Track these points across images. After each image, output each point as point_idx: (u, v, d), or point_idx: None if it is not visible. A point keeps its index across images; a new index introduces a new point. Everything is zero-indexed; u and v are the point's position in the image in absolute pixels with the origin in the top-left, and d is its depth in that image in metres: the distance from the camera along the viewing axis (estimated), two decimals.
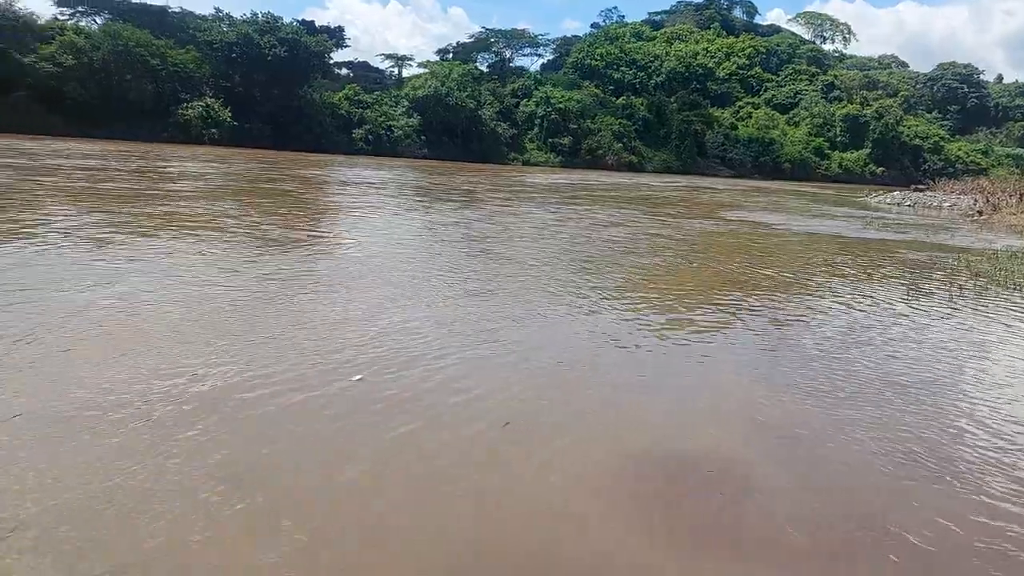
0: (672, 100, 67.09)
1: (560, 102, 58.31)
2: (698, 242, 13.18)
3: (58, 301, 5.61)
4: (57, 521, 2.68)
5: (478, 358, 5.04)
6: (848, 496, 3.39)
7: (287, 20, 50.35)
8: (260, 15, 48.54)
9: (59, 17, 45.43)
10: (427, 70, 60.38)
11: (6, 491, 2.86)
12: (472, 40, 71.55)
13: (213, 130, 42.25)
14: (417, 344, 5.22)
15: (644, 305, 7.25)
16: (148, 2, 49.40)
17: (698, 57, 77.19)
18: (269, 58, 45.48)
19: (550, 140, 57.16)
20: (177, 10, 50.96)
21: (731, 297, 7.94)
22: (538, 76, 67.86)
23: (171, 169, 21.74)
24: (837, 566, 2.84)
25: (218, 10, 50.69)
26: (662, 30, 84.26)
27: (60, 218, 9.97)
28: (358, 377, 4.41)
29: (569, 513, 3.08)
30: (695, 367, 5.31)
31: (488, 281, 7.88)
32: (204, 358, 4.54)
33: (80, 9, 47.55)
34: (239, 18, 49.27)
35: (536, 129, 58.02)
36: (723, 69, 77.19)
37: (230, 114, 43.38)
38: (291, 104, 46.67)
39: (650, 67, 74.34)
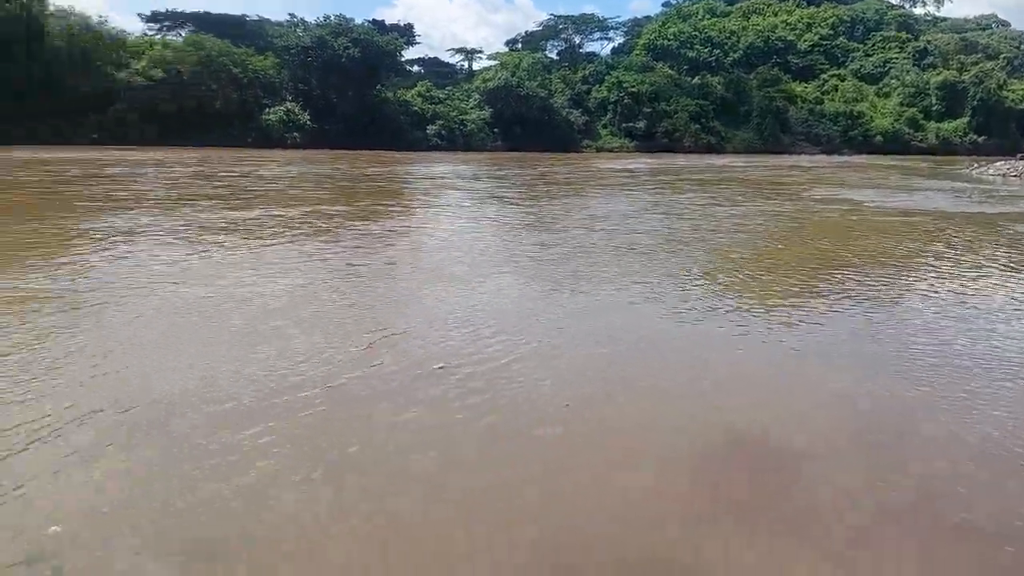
0: (751, 77, 63.91)
1: (632, 86, 56.54)
2: (797, 222, 13.14)
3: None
4: None
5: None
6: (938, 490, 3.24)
7: (358, 21, 50.79)
8: (332, 18, 49.15)
9: (147, 33, 47.67)
10: (497, 61, 59.91)
11: None
12: (541, 28, 70.68)
13: (295, 134, 43.16)
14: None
15: (737, 285, 7.32)
16: (226, 12, 51.16)
17: (777, 30, 73.28)
18: (343, 60, 45.89)
19: (624, 125, 55.58)
20: (254, 18, 52.53)
21: (824, 278, 8.00)
22: (609, 61, 66.00)
23: (274, 173, 22.09)
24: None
25: (292, 16, 51.93)
26: (737, 4, 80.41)
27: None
28: (439, 365, 4.50)
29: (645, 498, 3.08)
30: (786, 352, 5.18)
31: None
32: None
33: (166, 24, 49.72)
34: (312, 22, 50.22)
35: (609, 115, 56.56)
36: (805, 41, 72.97)
37: (309, 117, 44.26)
38: (366, 104, 47.06)
39: (726, 44, 71.24)
